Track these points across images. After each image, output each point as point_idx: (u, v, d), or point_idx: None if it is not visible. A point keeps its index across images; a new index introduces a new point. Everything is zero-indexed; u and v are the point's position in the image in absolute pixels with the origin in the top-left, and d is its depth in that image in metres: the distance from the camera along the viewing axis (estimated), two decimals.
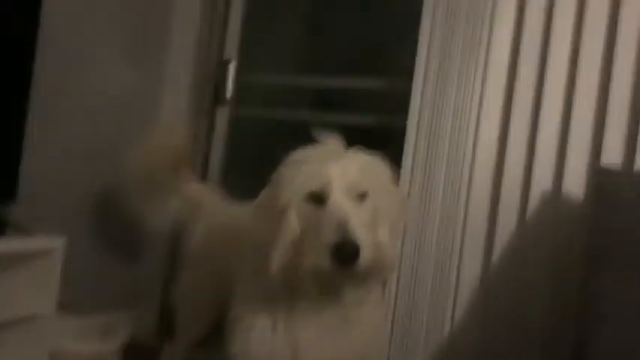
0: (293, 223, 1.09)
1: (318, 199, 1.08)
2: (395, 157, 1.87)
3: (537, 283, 1.65)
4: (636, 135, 1.59)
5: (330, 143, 1.14)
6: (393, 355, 1.81)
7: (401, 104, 1.91)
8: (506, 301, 1.68)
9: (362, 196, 1.09)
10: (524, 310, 1.66)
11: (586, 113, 1.65)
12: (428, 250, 1.78)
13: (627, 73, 1.62)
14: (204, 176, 2.35)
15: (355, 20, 2.46)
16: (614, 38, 1.64)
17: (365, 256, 1.00)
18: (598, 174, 1.41)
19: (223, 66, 2.31)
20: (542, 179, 1.68)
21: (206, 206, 1.69)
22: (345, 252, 0.99)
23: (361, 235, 1.01)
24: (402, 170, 1.82)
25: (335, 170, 1.08)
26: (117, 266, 2.33)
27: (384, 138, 2.28)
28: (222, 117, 2.36)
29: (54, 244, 1.64)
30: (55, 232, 1.66)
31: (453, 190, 1.76)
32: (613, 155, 1.60)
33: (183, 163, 1.78)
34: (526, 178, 1.70)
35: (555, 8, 1.69)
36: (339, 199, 1.06)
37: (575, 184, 1.64)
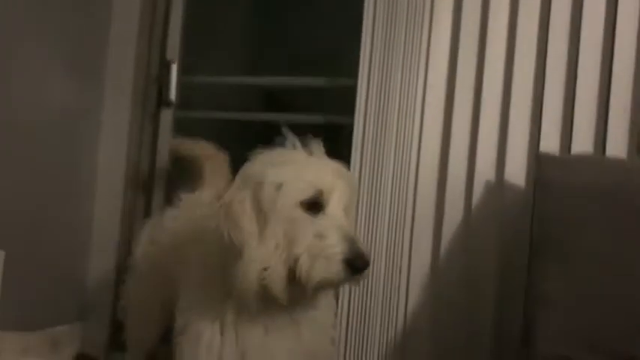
0: (279, 230, 1.04)
1: (312, 205, 1.05)
2: (343, 153, 1.90)
3: (485, 269, 1.70)
4: (572, 122, 1.66)
5: (311, 146, 1.12)
6: (349, 348, 1.83)
7: (347, 102, 1.93)
8: (457, 287, 1.72)
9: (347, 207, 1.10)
10: (474, 296, 1.71)
11: (524, 103, 1.71)
12: (380, 241, 1.80)
13: (562, 62, 1.68)
14: (150, 180, 2.30)
15: (299, 20, 2.47)
16: (547, 28, 1.71)
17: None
18: (537, 161, 1.46)
19: (166, 67, 2.27)
20: (485, 169, 1.73)
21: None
22: (363, 263, 1.00)
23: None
24: (352, 164, 1.84)
25: (337, 179, 1.07)
26: (64, 279, 2.25)
27: (331, 136, 2.29)
28: (167, 119, 2.32)
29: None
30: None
31: (401, 182, 1.79)
32: (551, 143, 1.67)
33: None
34: (470, 169, 1.74)
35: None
36: (337, 209, 1.06)
37: (517, 172, 1.70)
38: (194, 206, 1.60)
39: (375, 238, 1.81)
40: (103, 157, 2.32)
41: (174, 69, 2.26)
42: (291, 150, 1.10)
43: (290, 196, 1.04)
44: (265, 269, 1.03)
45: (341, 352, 1.84)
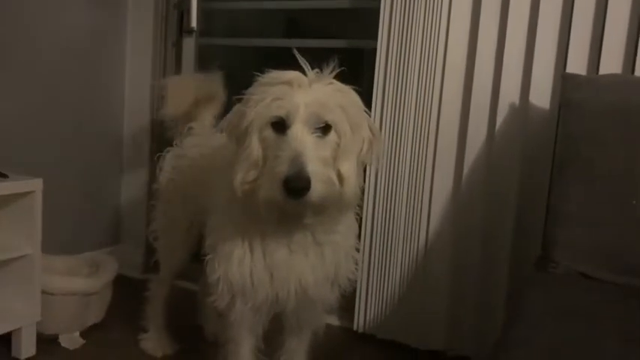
0: (255, 147, 1.08)
1: (281, 126, 1.06)
2: (368, 78, 1.90)
3: (506, 191, 1.73)
4: (600, 44, 1.61)
5: (303, 69, 1.11)
6: (372, 268, 1.91)
7: (370, 26, 1.90)
8: (478, 209, 1.76)
9: (326, 129, 1.07)
10: (495, 217, 1.75)
11: (551, 25, 1.66)
12: (403, 162, 1.83)
13: None
14: None
15: None
16: None
17: (316, 189, 1.01)
18: (563, 80, 1.44)
19: None
20: (510, 91, 1.71)
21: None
22: (296, 185, 0.99)
23: (315, 168, 1.01)
24: (374, 88, 1.85)
25: (300, 99, 1.05)
26: (100, 206, 2.35)
27: (355, 60, 2.27)
28: (189, 46, 2.31)
29: (32, 185, 1.64)
30: (32, 175, 1.66)
31: (425, 104, 1.79)
32: (578, 65, 1.63)
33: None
34: (494, 90, 1.73)
35: None
36: (300, 130, 1.04)
37: (542, 95, 1.68)
38: (208, 133, 1.67)
39: (399, 162, 1.84)
40: (129, 85, 2.36)
41: None
42: (285, 73, 1.09)
43: (260, 116, 1.07)
44: (246, 182, 1.09)
45: (364, 272, 1.92)
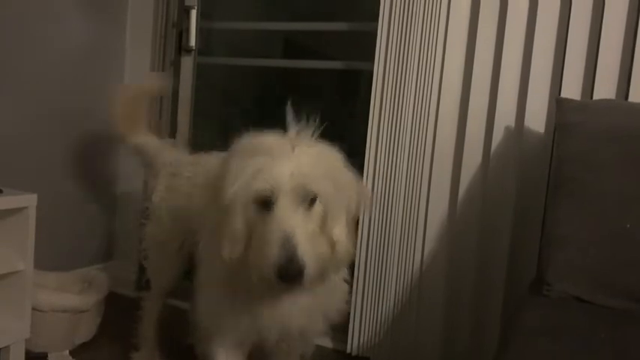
0: (238, 224, 1.04)
1: (265, 201, 1.01)
2: (364, 100, 1.91)
3: (502, 214, 1.73)
4: (594, 69, 1.64)
5: (289, 133, 1.07)
6: (366, 292, 1.91)
7: (367, 48, 1.92)
8: (473, 232, 1.77)
9: (312, 200, 1.03)
10: (490, 241, 1.75)
11: (546, 50, 1.68)
12: (398, 185, 1.84)
13: (586, 7, 1.64)
14: (173, 125, 2.34)
15: None
16: None
17: (311, 272, 0.98)
18: (557, 104, 1.46)
19: (185, 13, 2.26)
20: (505, 115, 1.73)
21: (164, 159, 1.69)
22: (290, 273, 0.96)
23: (307, 249, 0.97)
24: (371, 111, 1.86)
25: (283, 171, 1.00)
26: (94, 222, 2.34)
27: (352, 82, 2.30)
28: (187, 65, 2.33)
29: (26, 201, 1.63)
30: (26, 190, 1.65)
31: (421, 127, 1.80)
32: (573, 90, 1.65)
33: (137, 116, 1.77)
34: (490, 114, 1.75)
35: None
36: (286, 207, 1.00)
37: (537, 119, 1.70)
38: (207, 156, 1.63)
39: (394, 183, 1.84)
40: None
41: (193, 15, 2.26)
42: (269, 139, 1.05)
43: (242, 193, 1.02)
44: (234, 257, 1.06)
45: (359, 294, 1.91)
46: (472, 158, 1.76)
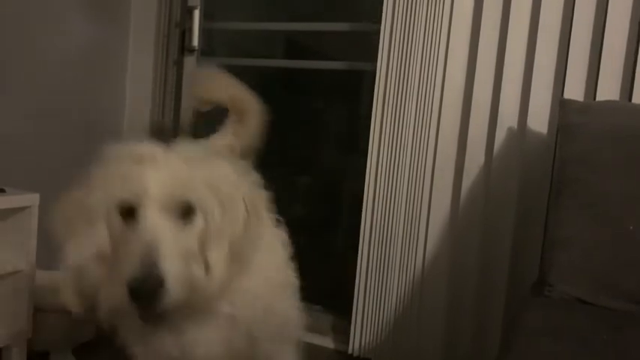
0: (100, 238, 0.89)
1: (131, 212, 0.87)
2: (366, 101, 1.91)
3: (504, 215, 1.73)
4: (598, 70, 1.63)
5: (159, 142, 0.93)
6: (368, 291, 1.90)
7: (369, 48, 1.92)
8: (475, 233, 1.76)
9: (189, 212, 0.89)
10: (492, 241, 1.75)
11: (549, 50, 1.68)
12: (400, 187, 1.84)
13: (590, 7, 1.64)
14: (176, 125, 2.34)
15: None
16: None
17: (172, 292, 0.81)
18: (560, 105, 1.46)
19: (188, 13, 2.26)
20: (508, 116, 1.72)
21: None
22: (142, 289, 0.79)
23: (170, 266, 0.82)
24: (373, 110, 1.86)
25: (151, 177, 0.87)
26: None
27: (355, 83, 2.29)
28: (190, 65, 2.33)
29: (29, 200, 1.63)
30: (28, 189, 1.66)
31: (423, 128, 1.80)
32: (576, 92, 1.65)
33: None
34: (492, 115, 1.74)
35: None
36: (152, 217, 0.85)
37: (540, 120, 1.69)
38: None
39: (396, 183, 1.84)
40: (129, 102, 2.37)
41: (196, 15, 2.26)
42: (136, 146, 0.92)
43: (103, 201, 0.89)
44: (84, 286, 0.90)
45: (360, 294, 1.91)
46: (474, 159, 1.76)
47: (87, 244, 0.89)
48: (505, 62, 1.71)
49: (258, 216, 0.98)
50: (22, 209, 1.64)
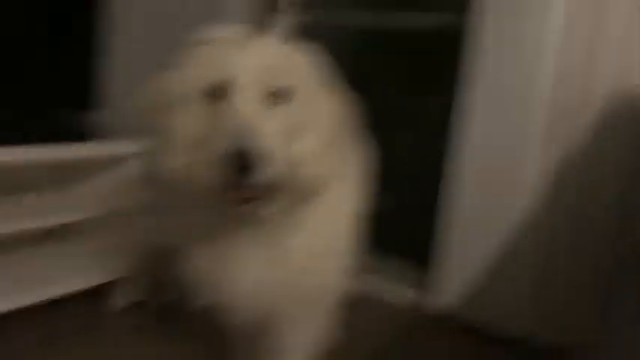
0: (185, 124, 0.88)
1: (220, 95, 0.86)
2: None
3: (609, 177, 1.63)
4: None
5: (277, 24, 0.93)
6: (452, 243, 1.86)
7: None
8: (579, 190, 1.66)
9: (279, 97, 0.87)
10: (595, 202, 1.64)
11: None
12: (495, 141, 1.76)
13: None
14: None
15: None
16: None
17: (270, 168, 0.81)
18: None
19: None
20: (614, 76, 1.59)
21: None
22: (239, 162, 0.78)
23: (264, 144, 0.80)
24: (466, 71, 1.78)
25: (243, 60, 0.85)
26: None
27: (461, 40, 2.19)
28: (292, 21, 2.31)
29: (136, 148, 1.75)
30: (132, 138, 1.76)
31: (524, 84, 1.69)
32: None
33: None
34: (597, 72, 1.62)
35: None
36: (245, 97, 0.84)
37: None
38: None
39: (490, 139, 1.77)
40: None
41: None
42: (224, 28, 0.91)
43: (191, 84, 0.88)
44: (177, 167, 0.89)
45: (444, 247, 1.87)
46: (578, 115, 1.63)
47: (176, 127, 0.88)
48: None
49: (347, 114, 0.95)
50: (129, 157, 1.75)
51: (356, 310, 1.84)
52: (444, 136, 1.91)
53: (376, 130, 1.21)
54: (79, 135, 1.69)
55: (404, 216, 2.30)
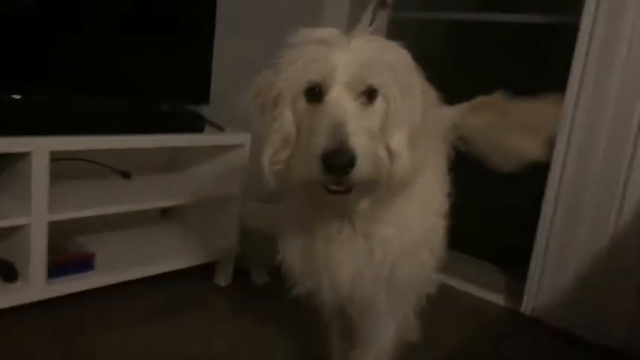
0: (286, 119, 0.94)
1: (317, 94, 0.91)
2: (565, 59, 1.81)
3: None
4: None
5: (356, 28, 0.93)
6: (550, 257, 1.86)
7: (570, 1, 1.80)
8: None
9: (371, 94, 0.91)
10: None
11: None
12: (596, 149, 1.74)
13: None
14: None
15: None
16: None
17: (362, 166, 0.84)
18: None
19: None
20: None
21: None
22: (337, 160, 0.83)
23: (360, 141, 0.84)
24: (571, 74, 1.76)
25: (338, 59, 0.89)
26: None
27: (552, 38, 2.17)
28: (382, 19, 2.39)
29: (242, 139, 1.88)
30: (242, 129, 1.88)
31: (629, 91, 1.66)
32: None
33: None
34: None
35: None
36: (340, 95, 0.88)
37: None
38: None
39: (592, 146, 1.74)
40: None
41: None
42: (319, 30, 0.92)
43: (292, 82, 0.92)
44: (275, 161, 0.96)
45: (541, 249, 1.88)
46: None
47: (278, 124, 0.94)
48: None
49: (434, 112, 0.99)
50: (236, 147, 1.89)
51: (451, 305, 1.92)
52: None
53: None
54: (192, 125, 1.84)
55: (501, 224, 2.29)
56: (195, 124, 1.86)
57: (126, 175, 1.97)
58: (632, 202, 1.69)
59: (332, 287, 1.08)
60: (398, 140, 0.92)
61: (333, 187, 0.88)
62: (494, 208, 2.39)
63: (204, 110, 1.94)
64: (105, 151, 1.79)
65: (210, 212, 1.99)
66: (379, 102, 0.91)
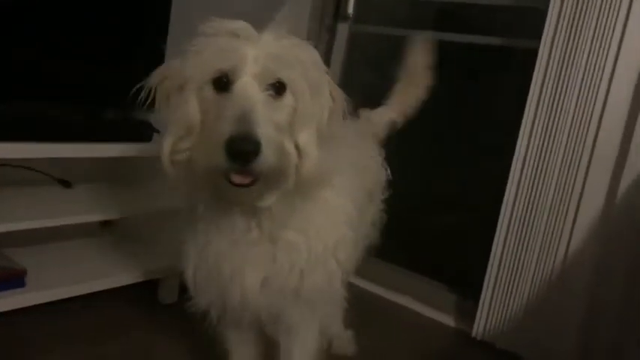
0: (191, 107, 0.91)
1: (225, 84, 0.89)
2: (522, 81, 1.82)
3: None
4: None
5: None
6: (501, 280, 1.85)
7: (529, 25, 1.82)
8: (629, 237, 1.63)
9: (280, 89, 0.90)
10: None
11: None
12: (550, 170, 1.74)
13: None
14: None
15: None
16: None
17: (267, 155, 0.83)
18: None
19: None
20: None
21: None
22: (242, 147, 0.81)
23: (266, 131, 0.83)
24: (530, 91, 1.76)
25: (248, 50, 0.88)
26: None
27: (510, 60, 2.19)
28: (343, 33, 2.36)
29: None
30: None
31: (584, 114, 1.67)
32: None
33: None
34: None
35: None
36: (248, 85, 0.87)
37: None
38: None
39: (547, 166, 1.75)
40: None
41: None
42: (231, 22, 0.92)
43: (199, 70, 0.90)
44: (177, 149, 0.93)
45: (492, 274, 1.87)
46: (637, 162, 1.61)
47: (180, 113, 0.92)
48: None
49: (339, 108, 0.99)
50: None
51: (400, 324, 1.90)
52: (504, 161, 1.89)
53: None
54: (139, 134, 1.74)
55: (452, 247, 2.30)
56: (143, 133, 1.76)
57: (66, 184, 1.85)
58: (583, 227, 1.70)
59: (238, 298, 1.03)
60: (306, 137, 0.91)
61: (237, 179, 0.85)
62: (452, 230, 2.39)
63: (154, 118, 1.85)
64: (42, 159, 1.67)
65: (155, 226, 1.88)
66: (288, 97, 0.91)
